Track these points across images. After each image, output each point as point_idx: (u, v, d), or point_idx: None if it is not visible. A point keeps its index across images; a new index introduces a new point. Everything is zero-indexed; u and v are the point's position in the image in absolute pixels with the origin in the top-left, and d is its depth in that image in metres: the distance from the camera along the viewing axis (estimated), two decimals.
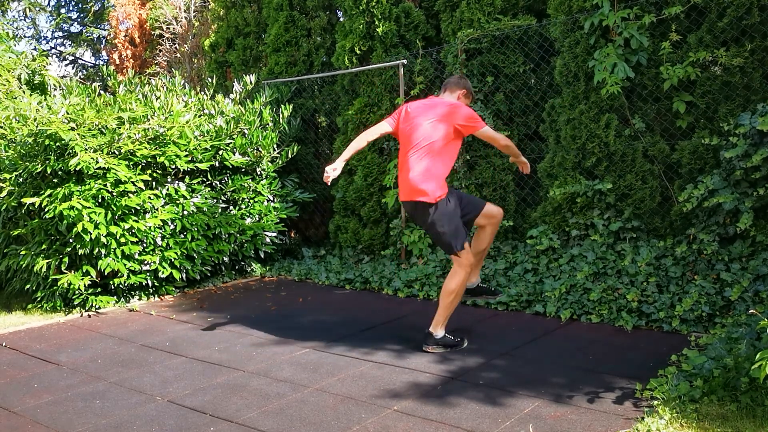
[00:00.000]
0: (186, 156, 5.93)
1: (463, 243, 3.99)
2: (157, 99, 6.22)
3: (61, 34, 17.83)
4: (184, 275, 5.96)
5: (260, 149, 6.56)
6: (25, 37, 17.24)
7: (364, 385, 3.57)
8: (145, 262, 5.63)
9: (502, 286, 5.19)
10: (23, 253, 5.37)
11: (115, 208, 5.33)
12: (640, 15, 4.80)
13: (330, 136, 7.30)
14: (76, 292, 5.34)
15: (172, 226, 5.79)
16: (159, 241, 5.70)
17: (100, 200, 5.33)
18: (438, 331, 4.08)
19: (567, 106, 5.23)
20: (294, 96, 7.49)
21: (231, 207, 6.44)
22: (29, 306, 5.54)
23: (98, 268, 5.30)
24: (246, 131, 6.52)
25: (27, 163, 5.36)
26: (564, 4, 5.18)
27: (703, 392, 3.10)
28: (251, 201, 6.52)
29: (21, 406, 3.45)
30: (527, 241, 5.41)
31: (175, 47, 10.80)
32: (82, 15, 17.31)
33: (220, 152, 6.31)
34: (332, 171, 4.02)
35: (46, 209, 5.13)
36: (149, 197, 5.62)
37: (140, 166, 5.67)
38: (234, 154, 6.40)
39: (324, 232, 7.45)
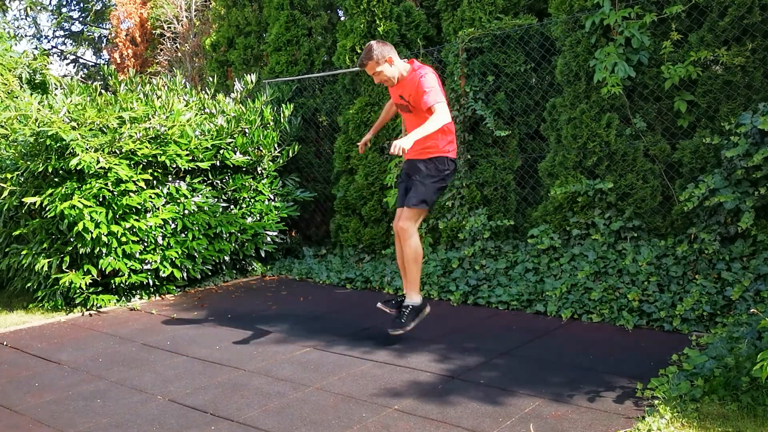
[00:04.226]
0: (187, 155, 5.93)
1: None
2: (158, 98, 6.22)
3: (62, 33, 17.84)
4: (184, 274, 5.97)
5: (261, 148, 6.56)
6: (26, 36, 17.26)
7: (364, 384, 3.57)
8: (146, 261, 5.63)
9: (503, 285, 5.20)
10: (24, 252, 5.37)
11: (116, 207, 5.33)
12: (641, 14, 4.79)
13: (331, 136, 7.30)
14: (77, 291, 5.34)
15: (173, 225, 5.79)
16: (160, 240, 5.70)
17: (101, 199, 5.33)
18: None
19: (568, 106, 5.22)
20: (295, 95, 7.49)
21: (232, 206, 6.45)
22: (30, 305, 5.55)
23: (99, 267, 5.31)
24: (247, 130, 6.52)
25: (28, 163, 5.36)
26: (565, 3, 5.18)
27: (704, 392, 3.10)
28: (252, 200, 6.52)
29: (22, 404, 3.45)
30: (528, 240, 5.40)
31: (176, 46, 10.81)
32: (83, 14, 17.32)
33: (221, 151, 6.31)
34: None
35: (47, 208, 5.14)
36: (150, 196, 5.62)
37: (141, 166, 5.67)
38: (235, 153, 6.40)
39: (325, 231, 7.45)
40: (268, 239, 6.57)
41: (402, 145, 3.67)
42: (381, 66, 4.04)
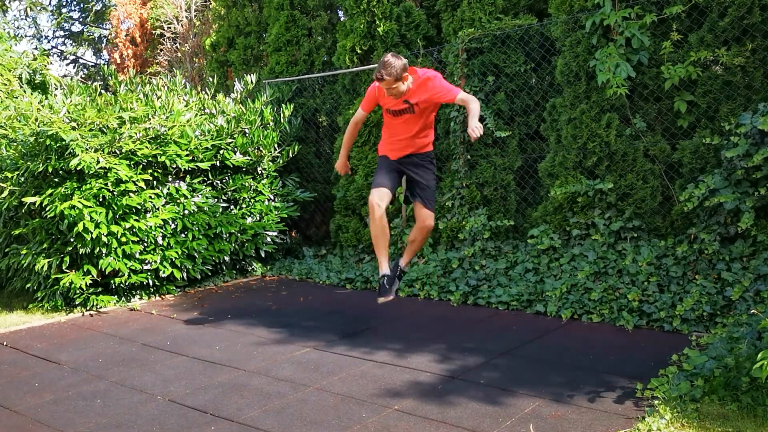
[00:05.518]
0: (187, 155, 5.93)
1: (373, 187, 4.25)
2: (158, 98, 6.22)
3: (62, 33, 17.85)
4: (184, 274, 5.97)
5: (261, 148, 6.56)
6: (26, 36, 17.26)
7: (364, 384, 3.57)
8: (146, 262, 5.63)
9: (503, 285, 5.20)
10: (24, 252, 5.37)
11: (116, 208, 5.33)
12: (642, 14, 4.80)
13: (331, 136, 7.30)
14: (77, 291, 5.34)
15: (173, 226, 5.79)
16: (160, 240, 5.70)
17: (101, 200, 5.33)
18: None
19: (568, 106, 5.22)
20: (295, 95, 7.49)
21: (232, 206, 6.45)
22: (30, 305, 5.54)
23: (99, 267, 5.31)
24: (247, 130, 6.52)
25: (28, 163, 5.36)
26: (565, 4, 5.18)
27: (704, 392, 3.10)
28: (252, 200, 6.52)
29: (22, 405, 3.45)
30: (528, 240, 5.40)
31: (176, 46, 10.81)
32: (83, 14, 17.32)
33: (221, 151, 6.31)
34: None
35: (47, 208, 5.14)
36: (150, 196, 5.62)
37: (141, 166, 5.68)
38: (235, 153, 6.40)
39: (325, 231, 7.45)
40: (268, 239, 6.57)
41: (480, 127, 3.81)
42: (398, 82, 4.09)
